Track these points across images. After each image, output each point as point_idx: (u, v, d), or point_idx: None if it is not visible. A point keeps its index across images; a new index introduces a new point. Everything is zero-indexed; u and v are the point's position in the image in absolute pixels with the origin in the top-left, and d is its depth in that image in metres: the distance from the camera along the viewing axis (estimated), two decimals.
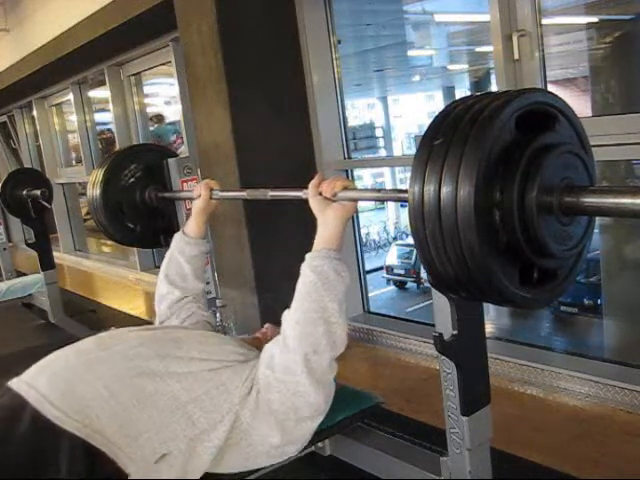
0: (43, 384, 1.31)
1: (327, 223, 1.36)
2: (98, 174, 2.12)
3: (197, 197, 1.82)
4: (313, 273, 1.31)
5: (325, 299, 1.29)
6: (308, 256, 1.34)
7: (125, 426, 1.26)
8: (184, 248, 1.80)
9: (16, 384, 1.34)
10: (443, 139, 0.94)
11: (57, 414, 1.24)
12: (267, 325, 1.63)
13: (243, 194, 1.89)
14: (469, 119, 0.94)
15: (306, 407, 1.31)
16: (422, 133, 0.99)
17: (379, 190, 1.40)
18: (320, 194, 1.37)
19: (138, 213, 2.16)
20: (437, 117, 0.99)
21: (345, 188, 1.35)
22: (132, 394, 1.30)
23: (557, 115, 1.03)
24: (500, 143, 0.94)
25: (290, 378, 1.29)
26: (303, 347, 1.29)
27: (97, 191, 2.10)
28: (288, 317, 1.33)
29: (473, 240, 0.91)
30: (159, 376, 1.34)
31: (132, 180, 2.14)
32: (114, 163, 2.14)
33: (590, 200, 0.96)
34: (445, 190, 0.92)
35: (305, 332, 1.29)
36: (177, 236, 1.84)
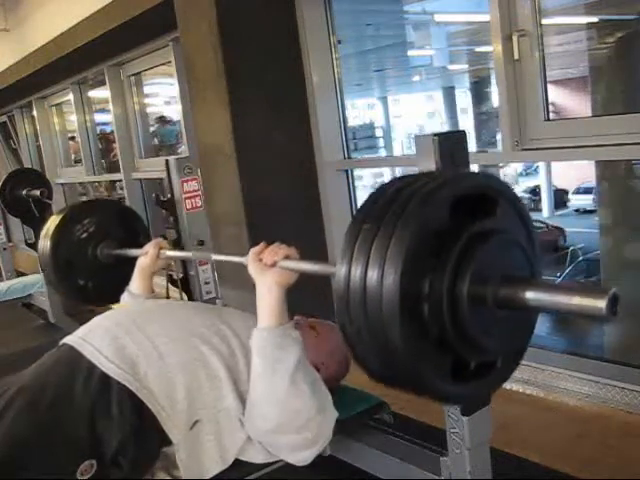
0: (97, 339, 1.42)
1: (264, 293, 1.36)
2: (50, 227, 2.08)
3: (144, 254, 1.84)
4: (258, 357, 1.34)
5: (275, 381, 1.31)
6: (253, 337, 1.36)
7: (169, 388, 1.35)
8: None
9: (71, 339, 1.46)
10: (371, 224, 0.88)
11: (110, 366, 1.35)
12: (296, 317, 1.65)
13: (189, 255, 2.01)
14: (400, 203, 0.87)
15: (290, 456, 1.40)
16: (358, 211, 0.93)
17: (317, 263, 1.33)
18: (260, 260, 1.37)
19: (90, 269, 2.10)
20: (369, 198, 0.93)
21: (287, 257, 1.35)
22: (179, 358, 1.39)
23: (497, 199, 0.95)
24: (432, 229, 0.87)
25: (267, 444, 1.39)
26: (260, 426, 1.35)
27: (47, 243, 2.05)
28: (249, 398, 1.38)
29: (397, 334, 0.84)
30: (203, 342, 1.43)
31: (84, 235, 2.09)
32: (68, 216, 2.10)
33: (528, 295, 0.88)
34: (370, 280, 0.85)
35: (263, 414, 1.35)
36: (124, 297, 1.87)
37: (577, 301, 0.83)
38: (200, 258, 2.05)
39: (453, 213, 0.89)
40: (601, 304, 0.81)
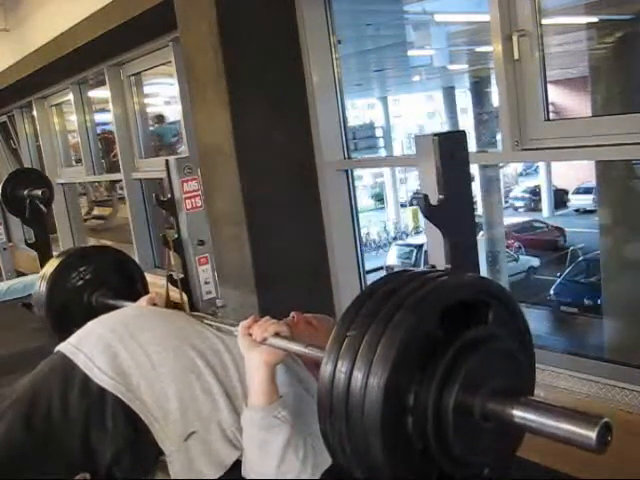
0: (90, 347, 1.41)
1: (253, 371, 1.33)
2: (47, 270, 2.08)
3: None
4: (247, 435, 1.33)
5: (263, 460, 1.31)
6: (243, 414, 1.34)
7: (161, 398, 1.35)
8: None
9: (65, 347, 1.46)
10: (357, 332, 0.85)
11: (102, 377, 1.34)
12: (293, 313, 1.64)
13: None
14: (386, 311, 0.85)
15: None
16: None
17: (307, 346, 1.29)
18: (250, 335, 1.35)
19: (85, 317, 2.10)
20: (356, 301, 0.91)
21: (277, 334, 1.32)
22: (172, 368, 1.39)
23: (490, 304, 0.92)
24: (419, 339, 0.84)
25: None
26: None
27: (44, 294, 2.05)
28: (244, 463, 1.37)
29: (378, 446, 0.81)
30: (197, 355, 1.43)
31: (80, 282, 2.09)
32: (65, 262, 2.11)
33: (516, 412, 0.84)
34: (353, 388, 0.82)
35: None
36: None
37: (566, 427, 0.80)
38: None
39: (443, 321, 0.86)
40: (591, 434, 0.78)
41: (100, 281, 2.12)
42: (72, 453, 1.28)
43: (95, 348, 1.40)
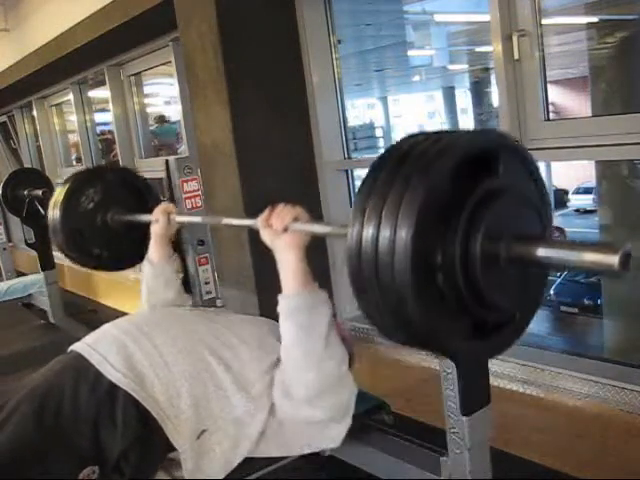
0: (105, 347, 1.43)
1: (284, 258, 1.35)
2: (58, 197, 2.08)
3: (155, 222, 1.83)
4: (290, 323, 1.33)
5: (310, 344, 1.31)
6: (280, 304, 1.35)
7: (175, 397, 1.36)
8: (154, 278, 1.84)
9: (80, 346, 1.47)
10: (385, 180, 0.88)
11: (116, 375, 1.35)
12: None
13: (198, 219, 2.00)
14: (414, 158, 0.87)
15: (325, 432, 1.40)
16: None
17: (329, 224, 1.35)
18: (271, 226, 1.35)
19: (102, 238, 2.09)
20: (384, 154, 0.94)
21: (295, 219, 1.33)
22: (186, 368, 1.40)
23: (509, 157, 0.95)
24: (443, 188, 0.87)
25: (301, 418, 1.38)
26: (302, 394, 1.34)
27: (57, 213, 2.04)
28: (282, 366, 1.38)
29: (411, 295, 0.84)
30: (210, 353, 1.44)
31: (92, 204, 2.08)
32: (74, 185, 2.09)
33: (540, 252, 0.89)
34: (382, 240, 0.85)
35: (299, 380, 1.34)
36: (145, 267, 1.87)
37: (589, 257, 0.84)
38: (210, 222, 2.09)
39: (464, 171, 0.89)
40: (613, 260, 0.81)
41: (112, 200, 2.10)
42: (81, 447, 1.29)
43: (110, 348, 1.42)
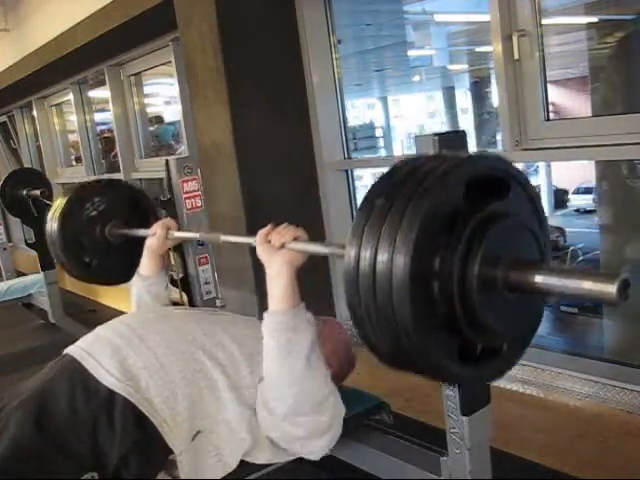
0: (99, 351, 1.42)
1: (275, 275, 1.35)
2: (59, 204, 2.09)
3: (152, 235, 1.83)
4: (272, 340, 1.33)
5: (290, 363, 1.31)
6: (265, 320, 1.35)
7: (170, 399, 1.35)
8: (144, 291, 1.83)
9: (74, 350, 1.46)
10: (385, 200, 0.87)
11: (111, 379, 1.35)
12: None
13: (196, 236, 1.97)
14: (415, 182, 0.87)
15: (305, 447, 1.39)
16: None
17: (326, 245, 1.35)
18: (269, 242, 1.36)
19: (97, 248, 2.10)
20: (384, 175, 0.93)
21: (295, 239, 1.34)
22: (180, 369, 1.39)
23: (510, 182, 0.96)
24: (445, 209, 0.88)
25: (280, 432, 1.37)
26: (280, 410, 1.34)
27: (55, 223, 2.06)
28: (264, 380, 1.37)
29: (407, 314, 0.84)
30: (204, 353, 1.43)
31: (93, 214, 2.10)
32: (77, 195, 2.11)
33: (538, 278, 0.89)
34: (381, 257, 0.85)
35: (279, 396, 1.34)
36: (135, 279, 1.86)
37: (588, 286, 0.84)
38: (207, 240, 2.07)
39: (466, 194, 0.89)
40: (612, 289, 0.81)
41: (113, 213, 2.12)
42: (80, 454, 1.29)
43: (104, 352, 1.41)
